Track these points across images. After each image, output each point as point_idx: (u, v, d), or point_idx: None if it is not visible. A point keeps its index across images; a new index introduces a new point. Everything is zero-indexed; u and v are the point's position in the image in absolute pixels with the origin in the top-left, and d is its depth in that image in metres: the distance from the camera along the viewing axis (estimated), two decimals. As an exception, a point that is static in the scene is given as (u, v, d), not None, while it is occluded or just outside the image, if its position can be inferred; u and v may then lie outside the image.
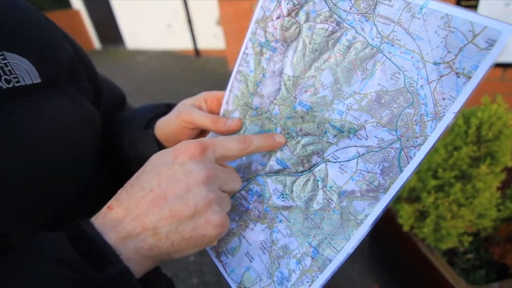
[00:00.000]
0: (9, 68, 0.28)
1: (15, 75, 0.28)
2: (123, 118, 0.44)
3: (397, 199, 1.10)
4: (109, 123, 0.44)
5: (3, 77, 0.27)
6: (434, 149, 1.04)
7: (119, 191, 0.26)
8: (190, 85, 4.05)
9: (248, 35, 0.36)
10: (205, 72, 4.52)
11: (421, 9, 0.24)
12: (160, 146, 0.40)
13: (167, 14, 5.27)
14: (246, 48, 0.36)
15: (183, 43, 5.41)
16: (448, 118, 0.23)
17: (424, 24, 0.24)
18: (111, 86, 0.47)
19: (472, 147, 0.86)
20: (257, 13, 0.35)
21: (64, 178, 0.31)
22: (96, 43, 7.47)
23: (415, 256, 1.11)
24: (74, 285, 0.20)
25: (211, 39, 4.93)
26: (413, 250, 1.11)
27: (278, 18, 0.33)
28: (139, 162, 0.41)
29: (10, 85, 0.27)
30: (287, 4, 0.32)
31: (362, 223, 0.26)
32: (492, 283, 0.96)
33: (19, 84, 0.28)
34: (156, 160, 0.27)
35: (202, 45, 5.21)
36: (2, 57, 0.28)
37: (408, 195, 1.08)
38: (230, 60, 4.28)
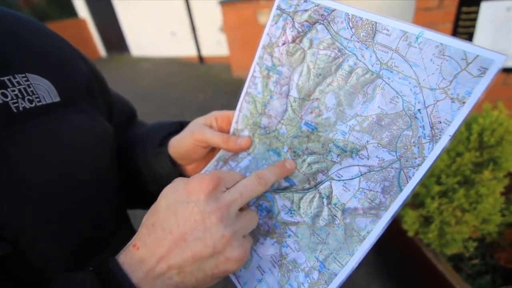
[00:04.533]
0: (32, 88, 0.30)
1: (37, 95, 0.30)
2: (137, 135, 0.46)
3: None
4: (120, 138, 0.45)
5: (26, 98, 0.29)
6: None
7: (141, 229, 0.27)
8: (195, 92, 4.09)
9: (256, 59, 0.38)
10: (209, 78, 4.56)
11: (417, 38, 0.25)
12: (173, 164, 0.41)
13: (171, 22, 5.34)
14: (254, 71, 0.38)
15: (187, 50, 5.47)
16: (444, 141, 0.24)
17: (420, 52, 0.25)
18: (122, 101, 0.49)
19: (475, 153, 0.87)
20: (263, 39, 0.37)
21: (84, 193, 0.32)
22: (101, 51, 7.59)
23: (420, 261, 1.11)
24: None
25: (215, 46, 4.98)
26: (418, 255, 1.11)
27: (283, 44, 0.35)
28: (153, 179, 0.42)
29: (33, 105, 0.29)
30: (292, 31, 0.34)
31: (364, 239, 0.27)
32: (498, 289, 0.96)
33: (41, 103, 0.30)
34: (170, 197, 0.27)
35: (206, 52, 5.26)
36: (25, 78, 0.30)
37: (412, 200, 1.09)
38: (234, 66, 4.31)
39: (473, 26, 1.47)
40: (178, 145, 0.40)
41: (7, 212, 0.25)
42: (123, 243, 0.40)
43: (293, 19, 0.34)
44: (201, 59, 5.36)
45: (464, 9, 1.48)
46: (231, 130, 0.41)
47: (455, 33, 1.54)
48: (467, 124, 0.88)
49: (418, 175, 0.25)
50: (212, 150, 0.42)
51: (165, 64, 5.68)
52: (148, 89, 4.51)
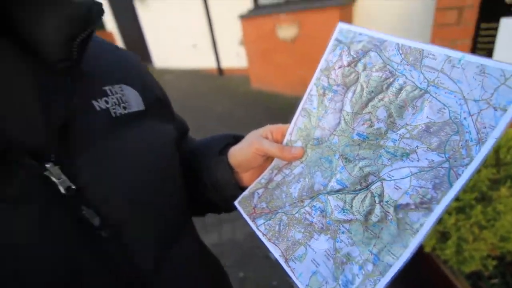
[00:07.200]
0: (125, 97, 0.36)
1: (129, 103, 0.36)
2: (197, 146, 0.52)
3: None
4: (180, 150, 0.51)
5: (121, 105, 0.35)
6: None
7: None
8: (214, 103, 4.19)
9: (313, 80, 0.42)
10: (228, 90, 4.66)
11: (459, 60, 0.29)
12: (231, 171, 0.46)
13: (193, 35, 5.54)
14: (311, 90, 0.42)
15: (207, 62, 5.64)
16: (490, 142, 0.26)
17: (463, 71, 0.29)
18: (179, 117, 0.55)
19: (491, 169, 0.88)
20: (321, 64, 0.41)
21: (161, 187, 0.38)
22: (126, 62, 7.90)
23: (437, 278, 1.09)
24: None
25: (234, 58, 5.11)
26: (435, 272, 1.09)
27: (339, 67, 0.39)
28: (213, 186, 0.47)
29: (126, 111, 0.35)
30: (347, 57, 0.38)
31: (418, 231, 0.29)
32: (519, 310, 0.94)
33: (131, 110, 0.36)
34: None
35: (225, 64, 5.40)
36: (121, 88, 0.36)
37: (429, 215, 1.08)
38: (252, 78, 4.40)
39: (493, 42, 1.47)
40: (238, 153, 0.45)
41: (112, 204, 0.31)
42: (190, 243, 0.45)
43: (349, 48, 0.38)
44: (220, 71, 5.50)
45: (483, 25, 1.48)
46: (285, 141, 0.44)
47: (474, 49, 1.54)
48: (484, 141, 0.88)
49: (467, 172, 0.27)
50: (267, 160, 0.46)
51: (186, 75, 5.86)
52: (170, 99, 4.64)
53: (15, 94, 0.27)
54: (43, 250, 0.25)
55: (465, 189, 0.95)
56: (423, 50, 0.32)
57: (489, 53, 1.51)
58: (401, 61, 0.33)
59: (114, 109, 0.34)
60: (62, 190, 0.27)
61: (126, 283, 0.32)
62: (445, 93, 0.30)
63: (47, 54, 0.28)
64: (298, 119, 0.44)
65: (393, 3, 3.11)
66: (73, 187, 0.28)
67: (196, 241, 0.49)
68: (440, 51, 0.31)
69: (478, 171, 0.95)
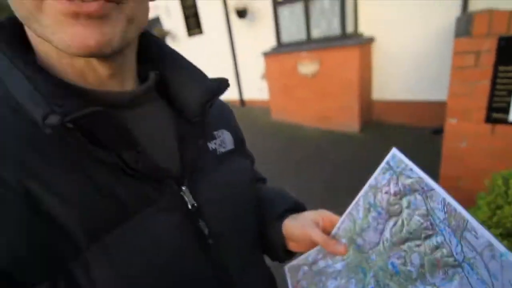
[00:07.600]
0: (224, 139, 0.47)
1: (225, 144, 0.47)
2: (263, 196, 0.57)
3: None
4: None
5: (222, 145, 0.46)
6: (477, 207, 1.09)
7: None
8: (236, 133, 4.33)
9: (362, 192, 0.42)
10: (249, 120, 4.83)
11: (501, 255, 0.27)
12: (284, 239, 0.52)
13: (219, 71, 5.88)
14: (358, 200, 0.43)
15: (231, 95, 5.92)
16: None
17: (501, 269, 0.27)
18: (249, 151, 0.64)
19: (515, 206, 0.91)
20: (371, 181, 0.41)
21: (248, 212, 0.48)
22: (153, 93, 8.38)
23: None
24: None
25: (256, 91, 5.36)
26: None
27: (386, 193, 0.38)
28: (266, 242, 0.55)
29: (224, 150, 0.46)
30: (395, 187, 0.37)
31: None
32: None
33: (227, 149, 0.46)
34: None
35: (247, 95, 5.65)
36: (222, 132, 0.47)
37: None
38: (273, 109, 4.57)
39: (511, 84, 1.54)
40: (290, 228, 0.51)
41: (215, 220, 0.40)
42: (263, 266, 0.55)
43: (398, 178, 0.37)
44: (242, 102, 5.75)
45: (501, 68, 1.56)
46: (333, 232, 0.47)
47: (493, 89, 1.61)
48: (505, 179, 0.93)
49: None
50: (313, 242, 0.50)
51: (209, 106, 6.12)
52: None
53: (165, 138, 0.39)
54: (179, 245, 0.35)
55: (489, 225, 0.98)
56: (467, 221, 0.30)
57: (508, 94, 1.57)
58: (443, 219, 0.32)
59: (219, 149, 0.45)
60: (189, 206, 0.37)
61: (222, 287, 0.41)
62: (477, 279, 0.29)
63: (188, 112, 0.41)
64: (345, 220, 0.45)
65: (410, 43, 3.25)
66: (195, 204, 0.38)
67: (266, 266, 0.56)
68: (484, 234, 0.28)
69: (501, 207, 0.98)
